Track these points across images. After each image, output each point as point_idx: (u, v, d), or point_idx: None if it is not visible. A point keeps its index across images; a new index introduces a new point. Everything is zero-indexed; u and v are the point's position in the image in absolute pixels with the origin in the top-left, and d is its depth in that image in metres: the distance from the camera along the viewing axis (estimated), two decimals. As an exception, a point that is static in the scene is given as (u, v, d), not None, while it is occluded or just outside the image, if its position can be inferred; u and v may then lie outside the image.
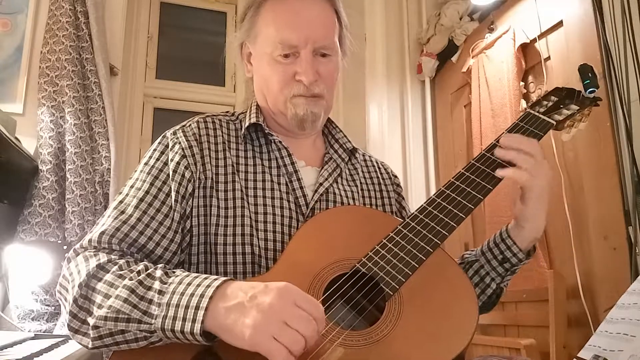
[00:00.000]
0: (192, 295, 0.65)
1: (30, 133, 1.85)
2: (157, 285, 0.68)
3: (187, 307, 0.64)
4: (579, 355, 0.73)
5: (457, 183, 0.85)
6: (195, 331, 0.63)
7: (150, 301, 0.67)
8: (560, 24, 1.86)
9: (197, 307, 0.64)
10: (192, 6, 2.78)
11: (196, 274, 0.69)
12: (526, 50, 2.01)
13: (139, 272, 0.70)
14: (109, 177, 1.88)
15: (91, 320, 0.68)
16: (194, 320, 0.63)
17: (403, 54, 2.68)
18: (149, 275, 0.70)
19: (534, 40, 1.95)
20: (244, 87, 2.74)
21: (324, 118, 0.97)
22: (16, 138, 1.69)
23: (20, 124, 1.78)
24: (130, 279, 0.69)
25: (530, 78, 2.00)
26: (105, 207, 1.87)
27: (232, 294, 0.65)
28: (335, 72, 0.94)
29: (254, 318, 0.61)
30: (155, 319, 0.65)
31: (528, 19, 1.99)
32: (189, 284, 0.67)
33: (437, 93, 2.60)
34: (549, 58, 1.90)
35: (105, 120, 1.93)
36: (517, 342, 1.69)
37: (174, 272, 0.71)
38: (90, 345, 0.69)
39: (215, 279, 0.67)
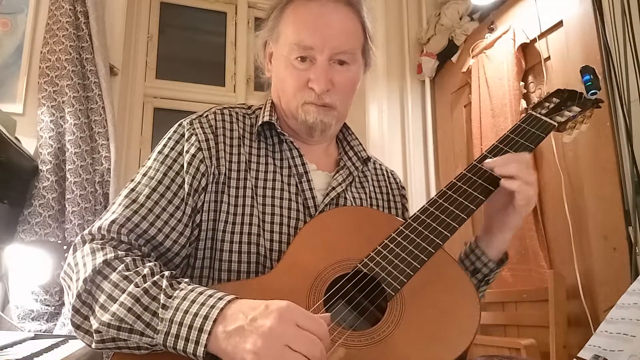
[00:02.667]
0: (195, 315, 0.63)
1: (30, 133, 1.84)
2: (161, 297, 0.66)
3: (190, 327, 0.63)
4: (579, 355, 0.73)
5: (459, 184, 0.85)
6: (198, 354, 0.62)
7: (154, 313, 0.65)
8: (560, 24, 1.86)
9: (200, 330, 0.62)
10: (192, 6, 2.78)
11: (201, 289, 0.67)
12: (526, 50, 2.01)
13: (144, 277, 0.68)
14: (109, 177, 1.88)
15: (94, 323, 0.67)
16: (197, 343, 0.62)
17: (403, 54, 2.68)
18: (154, 283, 0.68)
19: (534, 40, 1.95)
20: (244, 87, 2.74)
21: (337, 127, 0.96)
22: (16, 138, 1.69)
23: (20, 124, 1.77)
24: (136, 285, 0.67)
25: (530, 78, 2.01)
26: (106, 207, 1.87)
27: (232, 315, 0.63)
28: (353, 82, 0.92)
29: (254, 343, 0.59)
30: (158, 334, 0.64)
31: (528, 19, 1.99)
32: (193, 302, 0.65)
33: (437, 93, 2.61)
34: (549, 58, 1.91)
35: (105, 120, 1.93)
36: (517, 342, 1.69)
37: (179, 284, 0.69)
38: (93, 346, 0.68)
39: (220, 299, 0.65)
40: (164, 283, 0.68)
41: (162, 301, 0.66)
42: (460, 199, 0.83)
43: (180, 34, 2.79)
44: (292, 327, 0.60)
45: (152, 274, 0.70)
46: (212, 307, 0.64)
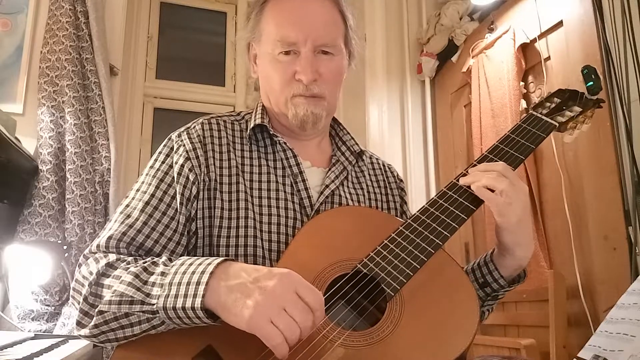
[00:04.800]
0: (193, 272, 0.67)
1: (30, 133, 1.85)
2: (160, 268, 0.70)
3: (188, 283, 0.66)
4: (579, 355, 0.73)
5: (459, 184, 0.85)
6: (196, 306, 0.64)
7: (153, 283, 0.68)
8: (560, 24, 1.86)
9: (197, 283, 0.65)
10: (192, 6, 2.78)
11: (199, 257, 0.71)
12: (526, 50, 2.01)
13: (144, 262, 0.73)
14: (109, 177, 1.88)
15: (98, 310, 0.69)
16: (194, 295, 0.64)
17: (403, 54, 2.68)
18: (153, 262, 0.72)
19: (534, 40, 1.95)
20: (244, 87, 2.74)
21: (327, 119, 0.97)
22: (16, 138, 1.69)
23: (20, 124, 1.78)
24: (135, 267, 0.71)
25: (530, 78, 2.01)
26: (106, 207, 1.88)
27: (234, 273, 0.66)
28: (338, 71, 0.93)
29: (255, 299, 0.62)
30: (158, 299, 0.66)
31: (528, 19, 1.99)
32: (191, 264, 0.68)
33: (437, 93, 2.60)
34: (549, 58, 1.91)
35: (105, 120, 1.93)
36: (517, 342, 1.69)
37: (177, 259, 0.73)
38: (92, 330, 0.69)
39: (216, 259, 0.68)
40: (162, 259, 0.72)
41: (161, 271, 0.69)
42: (460, 199, 0.83)
43: (180, 34, 2.80)
44: (292, 293, 0.63)
45: (152, 259, 0.74)
46: (209, 264, 0.67)
